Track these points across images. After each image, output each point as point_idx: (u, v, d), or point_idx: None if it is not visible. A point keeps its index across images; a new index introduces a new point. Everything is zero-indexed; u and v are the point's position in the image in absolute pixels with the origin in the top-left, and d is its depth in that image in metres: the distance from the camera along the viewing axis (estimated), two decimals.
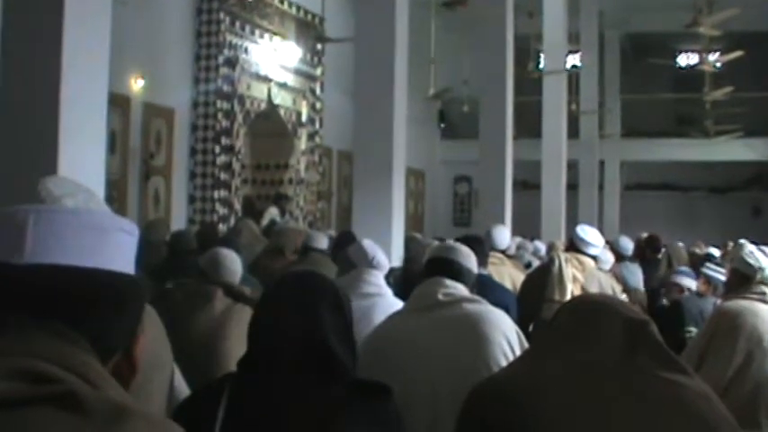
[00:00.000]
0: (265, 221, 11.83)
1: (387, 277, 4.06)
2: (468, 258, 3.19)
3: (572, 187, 17.07)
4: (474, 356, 2.87)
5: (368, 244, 3.99)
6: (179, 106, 11.19)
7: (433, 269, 3.14)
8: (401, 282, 5.64)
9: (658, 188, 22.87)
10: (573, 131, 17.06)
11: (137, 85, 10.43)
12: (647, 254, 9.41)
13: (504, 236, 6.31)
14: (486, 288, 4.28)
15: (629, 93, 21.53)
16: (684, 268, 6.47)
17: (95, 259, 1.14)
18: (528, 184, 19.22)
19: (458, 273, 3.12)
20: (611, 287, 5.39)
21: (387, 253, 4.19)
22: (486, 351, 2.87)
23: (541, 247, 9.39)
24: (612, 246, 7.72)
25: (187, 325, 3.40)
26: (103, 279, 1.14)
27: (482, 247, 4.97)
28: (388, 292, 3.88)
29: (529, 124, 16.93)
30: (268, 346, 2.17)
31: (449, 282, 3.07)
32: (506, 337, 2.92)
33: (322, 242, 6.19)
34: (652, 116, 21.70)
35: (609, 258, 6.52)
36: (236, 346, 3.46)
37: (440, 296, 3.02)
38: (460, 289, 3.08)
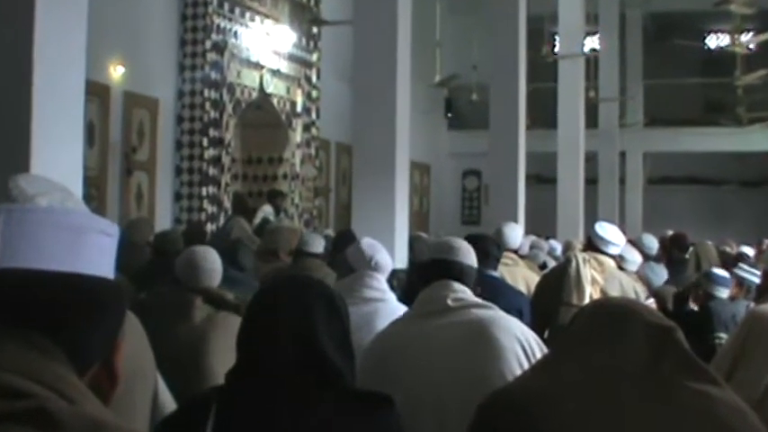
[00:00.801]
0: (258, 220, 11.83)
1: (390, 280, 4.05)
2: (469, 255, 3.20)
3: (591, 181, 17.03)
4: (485, 365, 2.89)
5: (367, 244, 3.98)
6: (163, 96, 11.19)
7: (436, 272, 3.15)
8: (406, 285, 5.64)
9: (685, 182, 22.83)
10: (591, 120, 17.03)
11: (116, 72, 10.42)
12: (673, 253, 9.40)
13: (516, 234, 6.32)
14: (497, 291, 4.28)
15: (653, 78, 21.49)
16: (719, 272, 6.43)
17: (72, 262, 1.13)
18: (542, 179, 19.17)
19: (460, 274, 3.13)
20: (634, 289, 5.38)
21: (389, 253, 4.18)
22: (499, 359, 2.89)
23: (557, 246, 9.39)
24: (635, 245, 7.71)
25: (165, 340, 3.40)
26: (81, 284, 1.14)
27: (493, 247, 4.97)
28: (392, 296, 3.88)
29: (543, 113, 16.91)
30: (258, 355, 2.17)
31: (456, 285, 3.08)
32: (522, 345, 2.94)
33: (317, 245, 6.12)
34: (678, 103, 21.65)
35: (636, 258, 6.51)
36: (221, 359, 3.46)
37: (449, 301, 3.03)
38: (469, 293, 3.09)
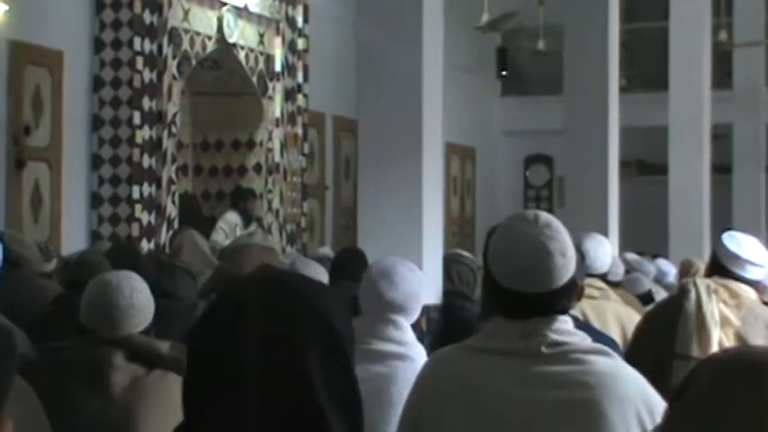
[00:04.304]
0: (220, 236, 11.84)
1: (415, 325, 4.04)
2: (567, 263, 3.15)
3: (722, 169, 16.97)
4: None
5: (378, 270, 3.97)
6: (70, 47, 11.21)
7: (516, 309, 3.14)
8: (439, 329, 5.63)
9: None
10: (722, 78, 16.96)
11: None
12: None
13: (605, 251, 6.29)
14: None
15: None
16: None
17: None
18: (646, 167, 19.10)
19: (560, 304, 3.13)
20: None
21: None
22: None
23: (669, 268, 9.35)
24: None
25: (70, 419, 3.39)
26: None
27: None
28: (419, 351, 3.87)
29: (647, 68, 16.87)
30: (216, 420, 2.14)
31: (556, 323, 3.08)
32: (641, 423, 2.96)
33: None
34: None
35: None
36: None
37: (543, 348, 3.05)
38: (571, 326, 3.11)
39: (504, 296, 3.17)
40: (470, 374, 3.10)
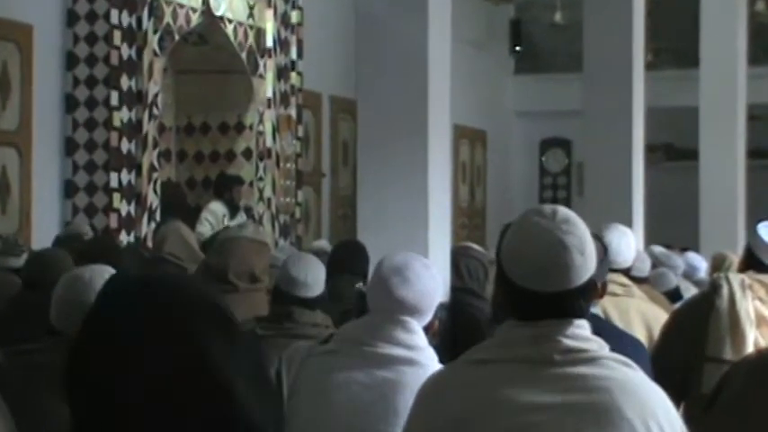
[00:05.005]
0: (205, 227, 11.84)
1: (428, 328, 4.03)
2: (587, 264, 3.15)
3: (758, 154, 16.95)
4: None
5: (391, 265, 3.95)
6: (41, 20, 11.20)
7: (528, 310, 3.14)
8: (445, 329, 5.62)
9: None
10: (759, 53, 16.93)
11: None
12: None
13: (628, 244, 6.28)
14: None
15: None
16: None
17: None
18: (675, 152, 19.08)
19: (577, 308, 3.12)
20: None
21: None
22: None
23: (700, 263, 9.34)
24: None
25: (40, 426, 3.39)
26: None
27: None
28: (430, 356, 3.87)
29: (675, 42, 16.85)
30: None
31: (571, 328, 3.07)
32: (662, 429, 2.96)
33: None
34: None
35: None
36: None
37: (555, 355, 3.04)
38: (588, 331, 3.09)
39: (517, 296, 3.16)
40: (474, 388, 3.09)
